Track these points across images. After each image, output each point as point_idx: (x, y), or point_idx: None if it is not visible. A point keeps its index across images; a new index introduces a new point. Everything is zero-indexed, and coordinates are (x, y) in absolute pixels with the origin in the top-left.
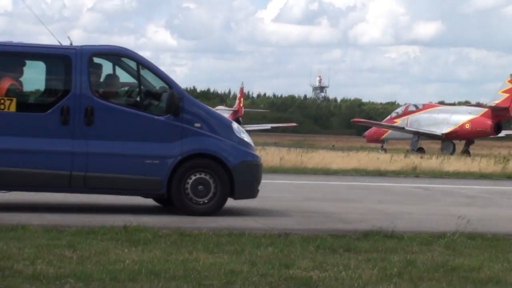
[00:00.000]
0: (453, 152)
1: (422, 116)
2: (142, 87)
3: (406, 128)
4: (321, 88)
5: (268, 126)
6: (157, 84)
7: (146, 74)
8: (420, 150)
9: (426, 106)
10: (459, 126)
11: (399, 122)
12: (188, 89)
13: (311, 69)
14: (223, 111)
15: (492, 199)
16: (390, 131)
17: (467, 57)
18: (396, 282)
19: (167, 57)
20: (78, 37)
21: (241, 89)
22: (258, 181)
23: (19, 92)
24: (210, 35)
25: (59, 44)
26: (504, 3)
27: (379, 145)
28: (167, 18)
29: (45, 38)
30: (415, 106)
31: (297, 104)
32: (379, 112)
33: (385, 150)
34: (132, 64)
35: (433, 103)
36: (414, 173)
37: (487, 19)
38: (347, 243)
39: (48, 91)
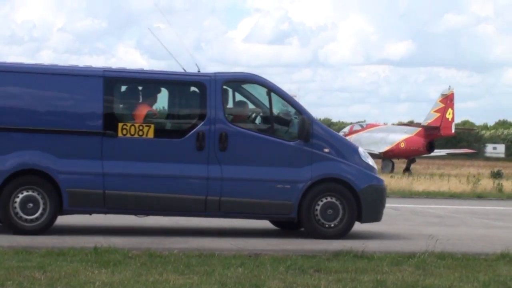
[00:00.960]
0: (392, 170)
1: (363, 135)
2: (273, 113)
3: None
4: None
5: None
6: (287, 110)
7: (276, 100)
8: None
9: (368, 126)
10: (395, 145)
11: None
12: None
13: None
14: None
15: (462, 219)
16: None
17: (437, 76)
18: None
19: None
20: (48, 58)
21: None
22: (383, 205)
23: (156, 118)
24: (181, 55)
25: (184, 71)
26: (474, 23)
27: None
28: (137, 39)
29: (14, 58)
30: (360, 125)
31: None
32: None
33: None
34: (263, 91)
35: (378, 122)
36: None
37: (457, 38)
38: (317, 263)
39: (184, 117)
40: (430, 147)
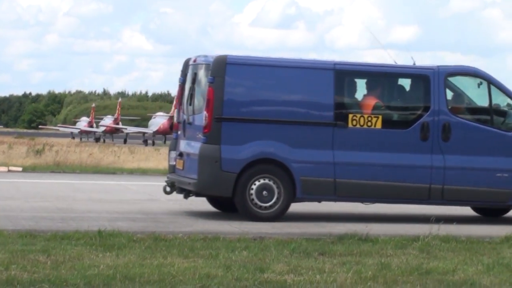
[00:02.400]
0: None
1: None
2: (492, 104)
3: None
4: None
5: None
6: (505, 101)
7: (495, 92)
8: None
9: None
10: None
11: None
12: (163, 94)
13: None
14: (162, 117)
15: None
16: None
17: (442, 60)
18: (370, 285)
19: (143, 62)
20: (53, 42)
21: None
22: None
23: (383, 110)
24: (187, 40)
25: (394, 63)
26: (481, 7)
27: None
28: (143, 23)
29: (20, 43)
30: None
31: None
32: None
33: None
34: (483, 83)
35: None
36: None
37: (463, 23)
38: (321, 246)
39: (409, 108)
40: None
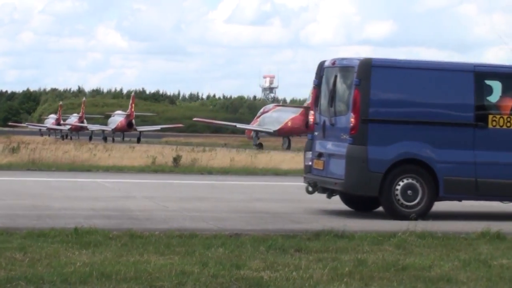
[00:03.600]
0: (288, 147)
1: (266, 115)
2: None
3: (237, 126)
4: (271, 89)
5: (158, 127)
6: None
7: None
8: (259, 146)
9: (274, 107)
10: (284, 124)
11: (257, 121)
12: (138, 91)
13: (261, 70)
14: (120, 115)
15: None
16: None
17: (417, 56)
18: (347, 281)
19: (117, 59)
20: (28, 40)
21: (133, 97)
22: None
23: None
24: (161, 37)
25: None
26: (456, 3)
27: None
28: (117, 20)
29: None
30: (268, 107)
31: (247, 105)
32: None
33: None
34: None
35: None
36: None
37: (438, 18)
38: (298, 243)
39: None
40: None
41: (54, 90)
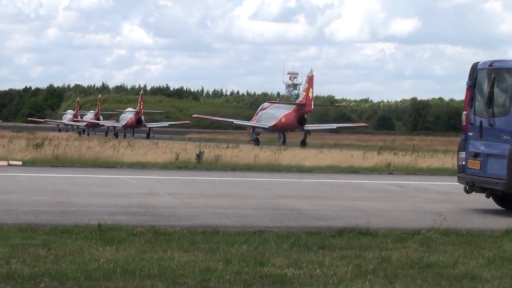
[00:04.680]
0: (284, 142)
1: (263, 112)
2: None
3: (234, 122)
4: (294, 86)
5: (166, 123)
6: None
7: None
8: (256, 141)
9: (270, 104)
10: (278, 120)
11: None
12: (161, 87)
13: (285, 66)
14: (130, 112)
15: (466, 195)
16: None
17: (442, 53)
18: (371, 279)
19: (142, 55)
20: (53, 36)
21: (141, 95)
22: None
23: None
24: (186, 33)
25: None
26: (481, 0)
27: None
28: (142, 16)
29: (20, 37)
30: (265, 104)
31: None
32: (353, 109)
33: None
34: None
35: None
36: (388, 170)
37: (463, 15)
38: (321, 240)
39: None
40: (302, 121)
41: (78, 86)
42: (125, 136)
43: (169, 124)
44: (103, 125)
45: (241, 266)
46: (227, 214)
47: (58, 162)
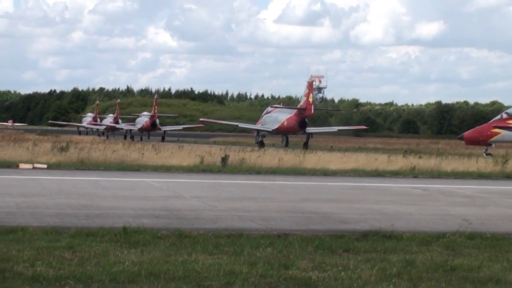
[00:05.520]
0: (286, 144)
1: (267, 116)
2: None
3: (239, 125)
4: (319, 89)
5: (180, 127)
6: None
7: None
8: (261, 144)
9: (274, 108)
10: (281, 124)
11: (261, 121)
12: (186, 90)
13: (309, 69)
14: (146, 116)
15: (491, 199)
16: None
17: (468, 57)
18: (395, 282)
19: (167, 59)
20: (79, 40)
21: (156, 99)
22: None
23: None
24: (211, 36)
25: None
26: (507, 3)
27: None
28: (167, 20)
29: (45, 40)
30: (270, 108)
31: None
32: (377, 113)
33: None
34: None
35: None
36: (413, 173)
37: (489, 18)
38: (346, 243)
39: None
40: (303, 125)
41: (102, 90)
42: (141, 139)
43: (183, 128)
44: (121, 129)
45: (265, 269)
46: (252, 217)
47: (83, 165)
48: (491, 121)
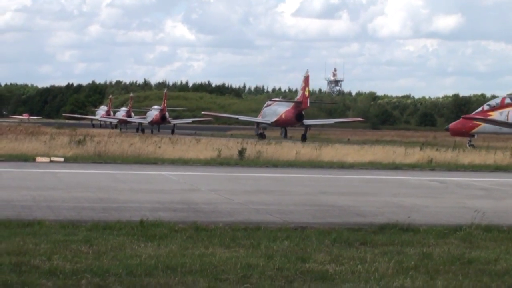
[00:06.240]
0: (285, 136)
1: (267, 109)
2: None
3: (240, 118)
4: (336, 82)
5: (189, 120)
6: None
7: None
8: (261, 136)
9: (273, 101)
10: (279, 116)
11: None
12: (203, 84)
13: (326, 62)
14: (156, 110)
15: (508, 192)
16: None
17: (485, 49)
18: (412, 275)
19: (184, 52)
20: (96, 33)
21: (165, 94)
22: None
23: None
24: (228, 30)
25: None
26: None
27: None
28: (185, 13)
29: (63, 33)
30: (269, 102)
31: (313, 98)
32: (394, 105)
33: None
34: None
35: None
36: (430, 166)
37: (507, 11)
38: (363, 236)
39: None
40: (300, 117)
41: (119, 83)
42: (152, 131)
43: (192, 121)
44: (133, 122)
45: (282, 262)
46: (269, 210)
47: (100, 159)
48: (473, 112)
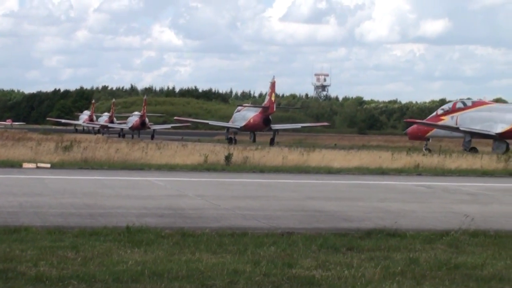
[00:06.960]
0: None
1: (237, 114)
2: None
3: (210, 123)
4: (323, 87)
5: (169, 126)
6: None
7: None
8: (230, 140)
9: (243, 107)
10: (248, 121)
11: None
12: (190, 89)
13: (314, 68)
14: (136, 116)
15: (494, 196)
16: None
17: (473, 54)
18: (399, 280)
19: (171, 57)
20: (83, 38)
21: (145, 100)
22: None
23: None
24: (216, 35)
25: None
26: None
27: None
28: (172, 18)
29: (50, 39)
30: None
31: (300, 103)
32: (381, 110)
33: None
34: None
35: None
36: (417, 171)
37: (493, 16)
38: (349, 241)
39: None
40: (267, 122)
41: (105, 88)
42: (132, 137)
43: (172, 126)
44: (113, 127)
45: (269, 267)
46: (256, 216)
47: (86, 165)
48: (428, 117)
